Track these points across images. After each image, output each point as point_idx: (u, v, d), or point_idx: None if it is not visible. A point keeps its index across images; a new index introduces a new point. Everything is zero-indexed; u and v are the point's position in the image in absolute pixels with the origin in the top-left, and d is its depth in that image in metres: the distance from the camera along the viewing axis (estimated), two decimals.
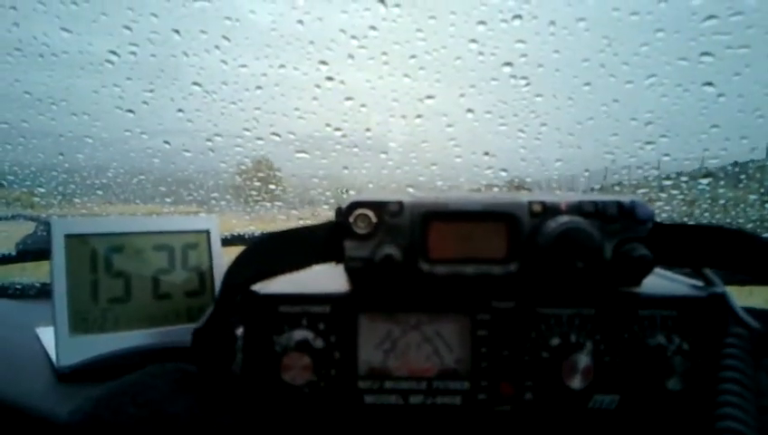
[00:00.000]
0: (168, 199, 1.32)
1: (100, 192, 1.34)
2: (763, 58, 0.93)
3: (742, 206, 1.16)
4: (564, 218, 0.51)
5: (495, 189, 1.19)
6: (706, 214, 1.14)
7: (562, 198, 0.53)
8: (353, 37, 1.08)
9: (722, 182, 1.13)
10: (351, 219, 0.53)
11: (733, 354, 0.48)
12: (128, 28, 1.11)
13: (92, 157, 1.29)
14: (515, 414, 0.52)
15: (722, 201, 1.14)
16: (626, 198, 0.53)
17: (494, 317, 0.52)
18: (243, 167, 1.32)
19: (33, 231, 1.30)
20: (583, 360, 0.49)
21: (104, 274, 0.68)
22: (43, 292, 1.07)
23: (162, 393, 0.54)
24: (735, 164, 1.16)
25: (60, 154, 1.29)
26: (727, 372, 0.47)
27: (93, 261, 0.68)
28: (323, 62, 1.11)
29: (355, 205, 0.53)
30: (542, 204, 0.53)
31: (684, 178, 1.12)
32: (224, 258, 0.74)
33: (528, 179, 1.17)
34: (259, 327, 0.52)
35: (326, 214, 1.14)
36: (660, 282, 0.57)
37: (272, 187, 1.37)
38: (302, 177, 1.26)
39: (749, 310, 0.53)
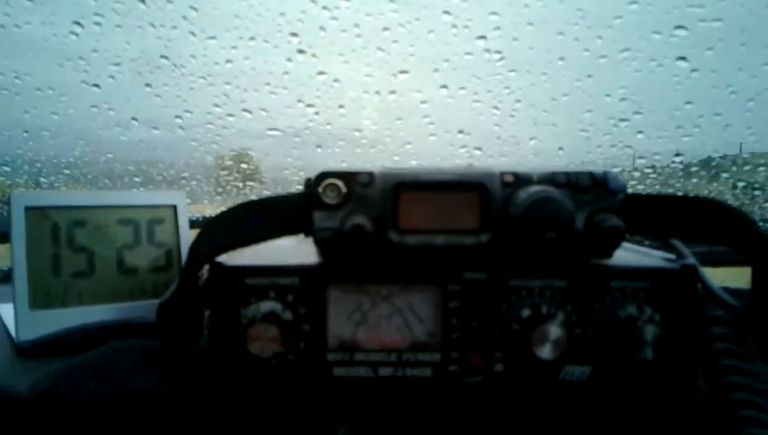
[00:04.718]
0: (136, 179, 1.29)
1: (67, 171, 1.31)
2: (736, 31, 0.93)
3: (715, 185, 1.17)
4: (536, 188, 0.50)
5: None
6: (679, 193, 1.15)
7: (535, 168, 0.53)
8: (324, 8, 1.05)
9: (695, 160, 1.14)
10: (320, 189, 0.52)
11: (729, 351, 0.49)
12: None
13: (59, 134, 1.26)
14: (486, 386, 0.51)
15: (695, 180, 1.15)
16: (598, 170, 0.53)
17: (465, 288, 0.51)
18: (214, 145, 1.29)
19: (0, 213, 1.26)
20: (554, 331, 0.49)
21: (66, 247, 0.67)
22: (9, 276, 1.04)
23: (126, 368, 0.53)
24: (709, 159, 1.17)
25: (24, 132, 1.26)
26: (732, 375, 0.47)
27: (55, 235, 0.66)
28: (294, 35, 1.08)
29: (324, 175, 0.52)
30: (514, 174, 0.52)
31: (657, 157, 1.12)
32: (192, 237, 0.73)
33: (503, 158, 1.16)
34: (225, 299, 0.51)
35: None
36: (631, 255, 0.57)
37: (243, 166, 1.36)
38: (275, 156, 1.25)
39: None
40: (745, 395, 0.47)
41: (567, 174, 0.52)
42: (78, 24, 1.10)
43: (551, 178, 0.52)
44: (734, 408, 0.46)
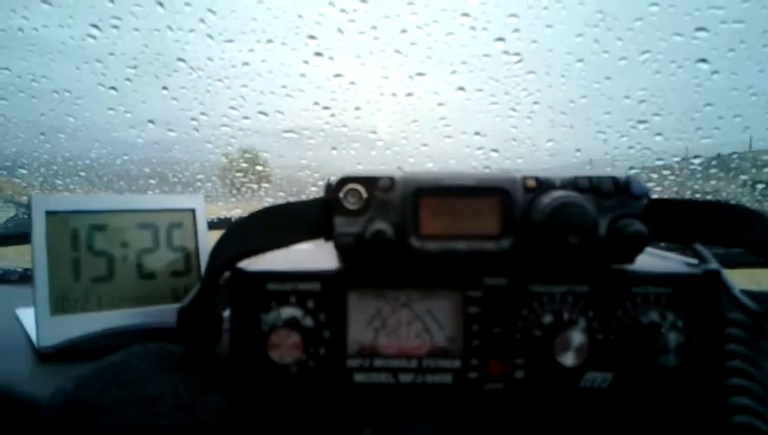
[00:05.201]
0: (152, 181, 1.29)
1: (83, 173, 1.31)
2: (758, 33, 0.92)
3: (733, 187, 1.16)
4: (559, 193, 0.50)
5: (486, 171, 1.18)
6: (698, 195, 1.14)
7: (557, 173, 0.52)
8: (342, 10, 1.05)
9: (714, 162, 1.13)
10: (341, 194, 0.51)
11: (737, 352, 0.48)
12: (110, 0, 1.08)
13: (75, 136, 1.26)
14: (507, 393, 0.51)
15: (713, 181, 1.14)
16: (621, 174, 0.52)
17: (486, 295, 0.51)
18: (229, 147, 1.29)
19: (15, 214, 1.27)
20: (576, 337, 0.48)
21: (86, 252, 0.67)
22: (25, 277, 1.05)
23: (146, 374, 0.53)
24: (718, 156, 1.16)
25: (41, 134, 1.26)
26: (734, 377, 0.46)
27: (75, 239, 0.67)
28: (312, 37, 1.08)
29: (345, 180, 0.52)
30: (536, 179, 0.51)
31: (675, 159, 1.11)
32: (209, 241, 0.73)
33: (519, 160, 1.15)
34: (246, 305, 0.51)
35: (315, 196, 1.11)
36: (653, 260, 0.57)
37: (258, 168, 1.36)
38: (290, 157, 1.24)
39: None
40: (744, 400, 0.46)
41: (590, 179, 0.52)
42: (95, 27, 1.10)
43: (573, 183, 0.51)
44: (730, 412, 0.45)
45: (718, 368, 0.49)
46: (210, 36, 1.10)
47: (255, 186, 1.35)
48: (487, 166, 1.15)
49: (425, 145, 1.17)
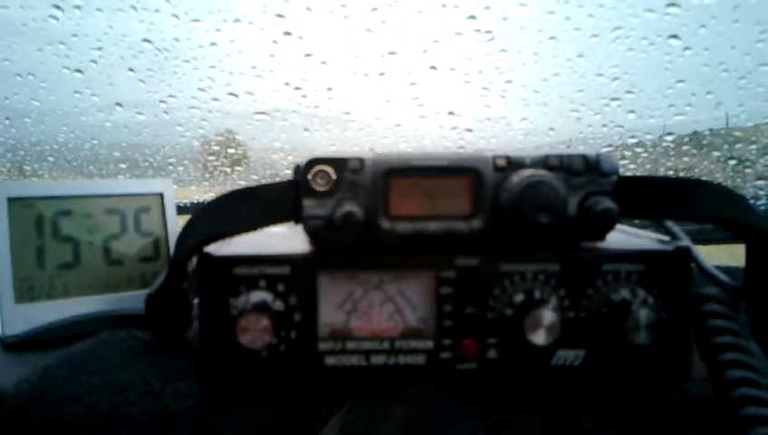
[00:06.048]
0: (122, 165, 1.27)
1: (51, 158, 1.28)
2: (729, 9, 0.92)
3: (706, 163, 1.17)
4: (528, 172, 0.50)
5: (460, 151, 1.18)
6: (671, 172, 1.15)
7: (528, 152, 0.52)
8: None
9: (686, 139, 1.14)
10: (310, 176, 0.51)
11: (722, 328, 0.48)
12: None
13: (41, 121, 1.23)
14: (480, 372, 0.51)
15: (686, 158, 1.15)
16: (591, 152, 0.52)
17: (458, 275, 0.51)
18: (200, 130, 1.27)
19: None
20: (547, 316, 0.49)
21: (51, 238, 0.65)
22: None
23: (114, 361, 0.52)
24: (700, 136, 1.16)
25: (6, 119, 1.23)
26: (728, 354, 0.46)
27: (39, 225, 0.65)
28: (280, 16, 1.06)
29: (314, 161, 0.51)
30: (507, 158, 0.51)
31: (649, 136, 1.12)
32: (179, 225, 0.72)
33: (493, 140, 1.15)
34: (214, 290, 0.50)
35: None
36: (624, 237, 0.57)
37: (231, 150, 1.34)
38: (263, 140, 1.23)
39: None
40: (740, 372, 0.46)
41: (560, 157, 0.51)
42: (57, 7, 1.07)
43: (544, 162, 0.51)
44: (730, 387, 0.45)
45: (690, 345, 0.50)
46: (176, 16, 1.08)
47: (229, 169, 1.33)
48: (462, 146, 1.14)
49: (398, 125, 1.16)
